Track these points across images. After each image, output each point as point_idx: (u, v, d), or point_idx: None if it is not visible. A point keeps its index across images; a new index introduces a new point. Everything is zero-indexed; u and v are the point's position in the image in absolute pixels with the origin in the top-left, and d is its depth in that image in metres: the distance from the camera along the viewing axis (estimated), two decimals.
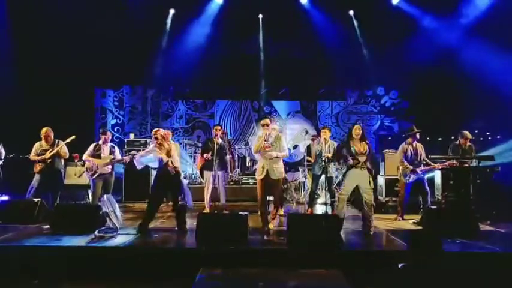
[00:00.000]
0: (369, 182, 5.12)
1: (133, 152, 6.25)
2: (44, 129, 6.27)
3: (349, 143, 5.23)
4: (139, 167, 5.38)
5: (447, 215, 5.29)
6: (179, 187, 5.31)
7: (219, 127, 6.65)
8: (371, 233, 5.14)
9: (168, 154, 5.26)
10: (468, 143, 6.54)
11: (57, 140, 6.33)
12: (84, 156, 6.18)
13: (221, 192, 6.48)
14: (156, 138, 5.26)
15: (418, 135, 6.13)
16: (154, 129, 5.42)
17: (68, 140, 6.28)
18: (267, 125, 5.25)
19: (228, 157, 6.89)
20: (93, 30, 8.93)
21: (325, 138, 6.43)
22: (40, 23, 8.75)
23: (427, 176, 6.29)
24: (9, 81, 8.36)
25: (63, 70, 9.06)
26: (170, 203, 5.92)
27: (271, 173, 5.15)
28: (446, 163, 6.21)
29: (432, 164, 6.12)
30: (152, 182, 6.23)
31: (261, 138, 5.25)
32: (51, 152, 6.19)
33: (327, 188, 6.37)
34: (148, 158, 5.25)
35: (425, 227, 5.33)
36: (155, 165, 5.34)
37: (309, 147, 7.15)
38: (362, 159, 5.11)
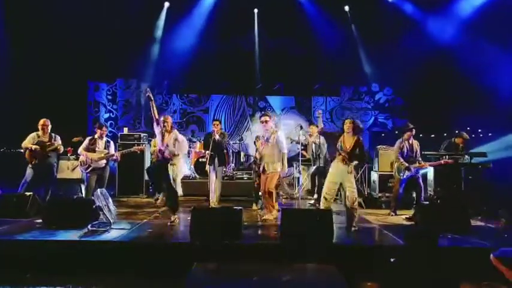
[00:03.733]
0: (352, 176, 5.11)
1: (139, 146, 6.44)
2: (42, 120, 6.19)
3: (339, 137, 5.27)
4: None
5: (439, 210, 5.35)
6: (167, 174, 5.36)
7: (217, 122, 6.65)
8: (354, 228, 5.08)
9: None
10: (462, 145, 6.63)
11: (53, 134, 6.27)
12: (79, 150, 6.14)
13: (215, 188, 6.49)
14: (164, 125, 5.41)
15: (414, 131, 6.17)
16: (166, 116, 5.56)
17: (75, 140, 6.22)
18: (266, 122, 5.54)
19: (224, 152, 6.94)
20: (86, 23, 8.82)
21: (310, 135, 6.83)
22: (33, 15, 8.63)
23: (421, 172, 6.34)
24: (1, 74, 8.24)
25: (56, 63, 8.95)
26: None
27: (266, 168, 5.53)
28: (442, 161, 6.26)
29: (423, 163, 6.15)
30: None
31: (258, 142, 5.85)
32: (49, 145, 6.12)
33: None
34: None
35: (420, 223, 5.37)
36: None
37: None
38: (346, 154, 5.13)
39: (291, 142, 7.34)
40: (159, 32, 10.48)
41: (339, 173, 5.12)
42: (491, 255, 3.12)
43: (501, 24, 8.39)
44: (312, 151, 7.17)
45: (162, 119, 5.51)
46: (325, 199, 5.14)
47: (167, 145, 5.30)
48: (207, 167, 6.53)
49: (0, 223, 5.12)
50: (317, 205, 6.77)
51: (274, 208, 5.61)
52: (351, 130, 5.16)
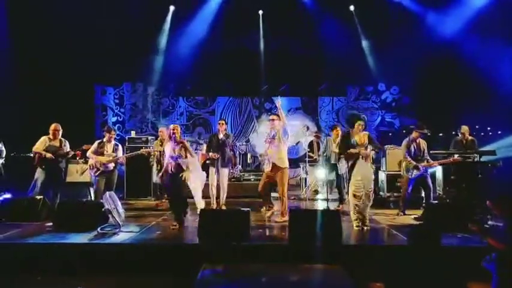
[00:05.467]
0: (371, 172, 5.19)
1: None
2: (53, 125, 6.23)
3: (349, 135, 5.28)
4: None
5: (448, 209, 5.30)
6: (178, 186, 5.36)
7: (223, 122, 6.57)
8: (367, 228, 5.10)
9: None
10: (470, 138, 6.58)
11: (63, 139, 6.34)
12: (88, 153, 6.20)
13: (222, 189, 6.47)
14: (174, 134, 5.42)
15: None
16: (174, 125, 5.54)
17: (85, 148, 6.28)
18: (273, 121, 5.76)
19: (230, 153, 6.87)
20: (93, 27, 8.90)
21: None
22: (39, 19, 8.71)
23: (430, 171, 6.29)
24: (9, 78, 8.35)
25: (63, 67, 9.03)
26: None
27: (276, 163, 5.62)
28: (450, 159, 6.20)
29: (432, 161, 6.10)
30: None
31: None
32: (60, 151, 6.19)
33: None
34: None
35: (425, 221, 5.34)
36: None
37: (311, 144, 7.18)
38: (363, 149, 5.15)
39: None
40: (164, 35, 10.54)
41: (362, 170, 5.14)
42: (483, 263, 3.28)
43: (509, 21, 8.30)
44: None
45: (171, 127, 5.49)
46: (355, 196, 5.12)
47: (179, 155, 5.31)
48: (211, 168, 6.43)
49: (11, 227, 5.19)
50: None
51: (286, 214, 5.53)
52: (362, 129, 5.25)
